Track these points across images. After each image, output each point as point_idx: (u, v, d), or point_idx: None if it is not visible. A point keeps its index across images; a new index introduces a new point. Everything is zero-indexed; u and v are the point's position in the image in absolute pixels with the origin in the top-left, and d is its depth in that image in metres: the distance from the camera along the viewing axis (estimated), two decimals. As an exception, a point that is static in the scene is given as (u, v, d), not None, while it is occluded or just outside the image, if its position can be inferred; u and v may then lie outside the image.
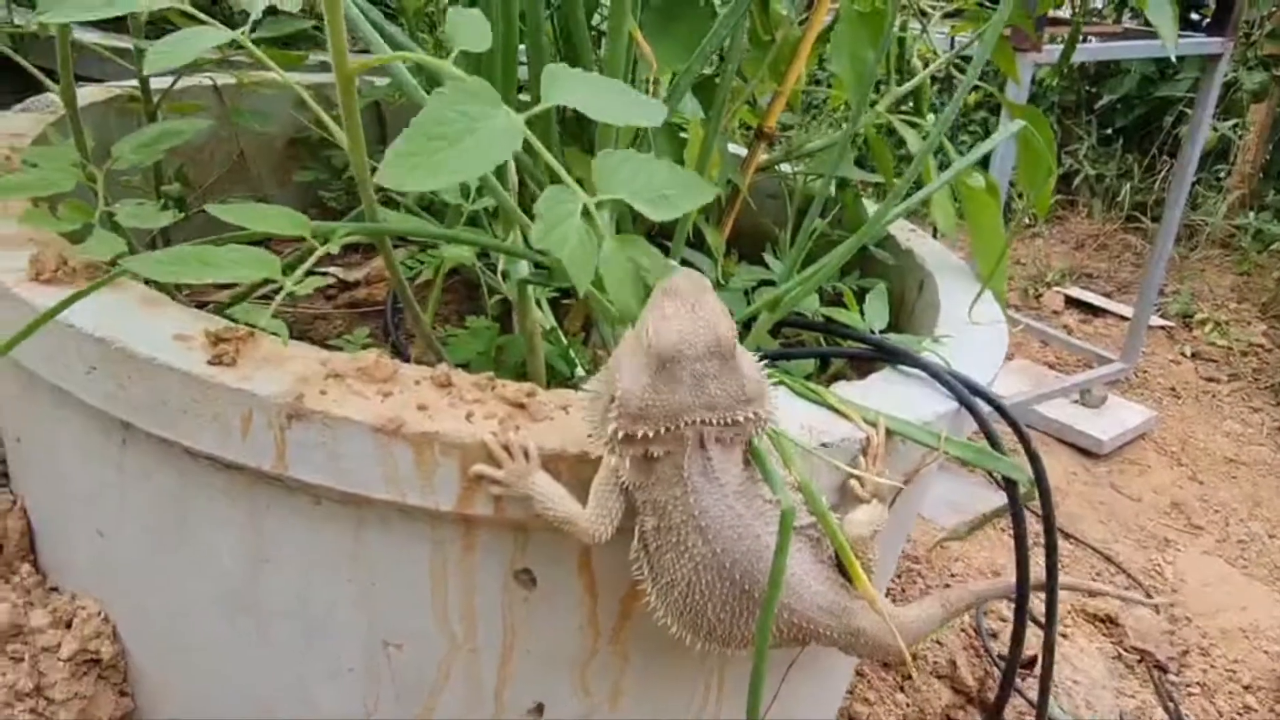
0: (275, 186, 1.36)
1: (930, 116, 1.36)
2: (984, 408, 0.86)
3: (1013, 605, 1.90)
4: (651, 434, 0.60)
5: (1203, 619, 2.40)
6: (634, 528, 0.67)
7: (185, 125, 0.89)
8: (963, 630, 1.91)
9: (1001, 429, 0.88)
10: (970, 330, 1.02)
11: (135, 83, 1.08)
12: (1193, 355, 3.55)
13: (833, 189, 1.41)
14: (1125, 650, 2.17)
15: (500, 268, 0.90)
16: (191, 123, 0.90)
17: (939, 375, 0.86)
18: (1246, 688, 2.23)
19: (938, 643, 1.87)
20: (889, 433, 0.78)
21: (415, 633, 0.77)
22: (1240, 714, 2.15)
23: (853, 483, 0.77)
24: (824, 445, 0.75)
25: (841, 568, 0.73)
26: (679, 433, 0.61)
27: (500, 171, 0.90)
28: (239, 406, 0.67)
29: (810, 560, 0.71)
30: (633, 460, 0.62)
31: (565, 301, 1.18)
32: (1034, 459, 0.90)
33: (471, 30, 0.65)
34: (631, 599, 0.77)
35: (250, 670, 0.81)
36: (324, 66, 1.63)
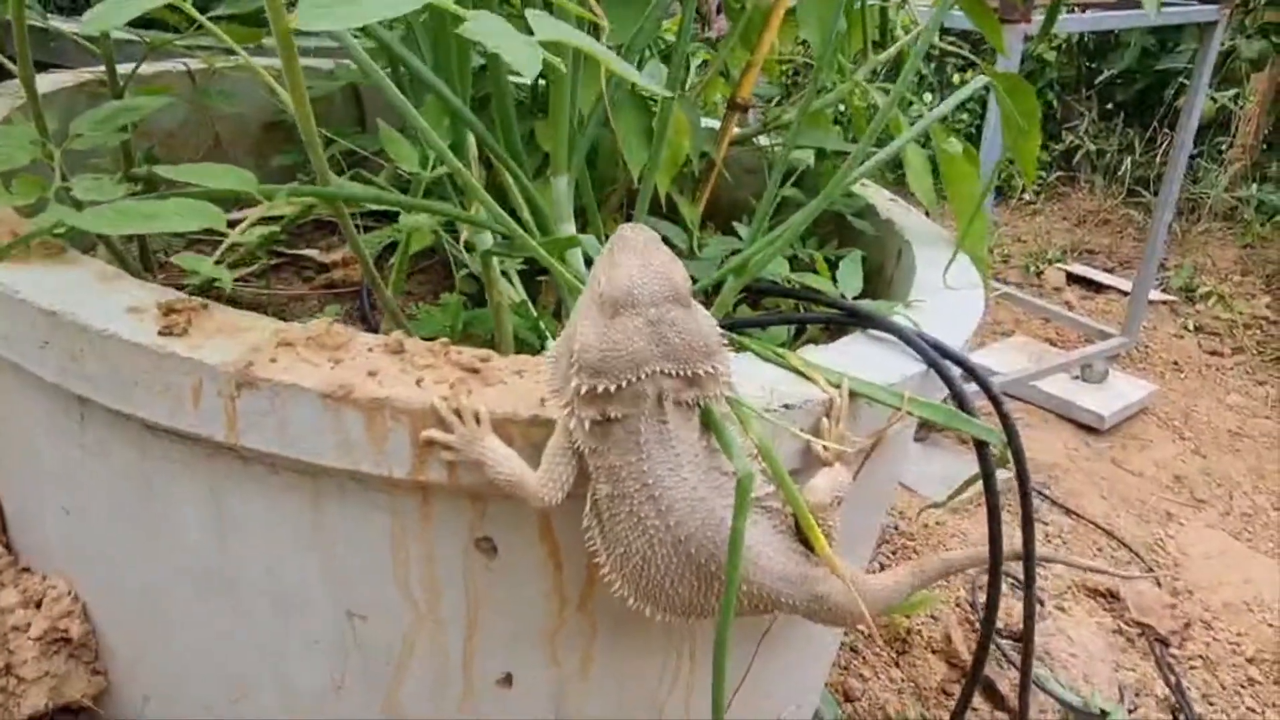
0: (253, 170, 1.36)
1: (927, 97, 1.35)
2: (953, 370, 0.85)
3: (1008, 577, 1.89)
4: (613, 388, 0.59)
5: (1205, 592, 2.39)
6: (587, 496, 0.66)
7: (144, 101, 0.88)
8: (957, 605, 1.90)
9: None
10: (944, 295, 1.01)
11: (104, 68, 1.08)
12: (1195, 329, 3.52)
13: (812, 160, 1.39)
14: (1126, 624, 2.16)
15: (463, 239, 0.89)
16: (151, 99, 0.89)
17: (906, 337, 0.85)
18: (1250, 660, 2.22)
19: (932, 618, 1.86)
20: (853, 395, 0.77)
21: (379, 603, 0.76)
22: (1244, 686, 2.14)
23: (816, 446, 0.76)
24: (786, 407, 0.74)
25: (803, 535, 0.73)
26: (639, 389, 0.60)
27: (460, 144, 0.89)
28: (189, 376, 0.67)
29: (769, 530, 0.71)
30: (590, 423, 0.61)
31: (541, 279, 1.17)
32: (1006, 421, 0.89)
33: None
34: (596, 566, 0.77)
35: (221, 645, 0.81)
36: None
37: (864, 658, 1.78)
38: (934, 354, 0.84)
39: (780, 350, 0.79)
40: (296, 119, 0.70)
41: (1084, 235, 4.10)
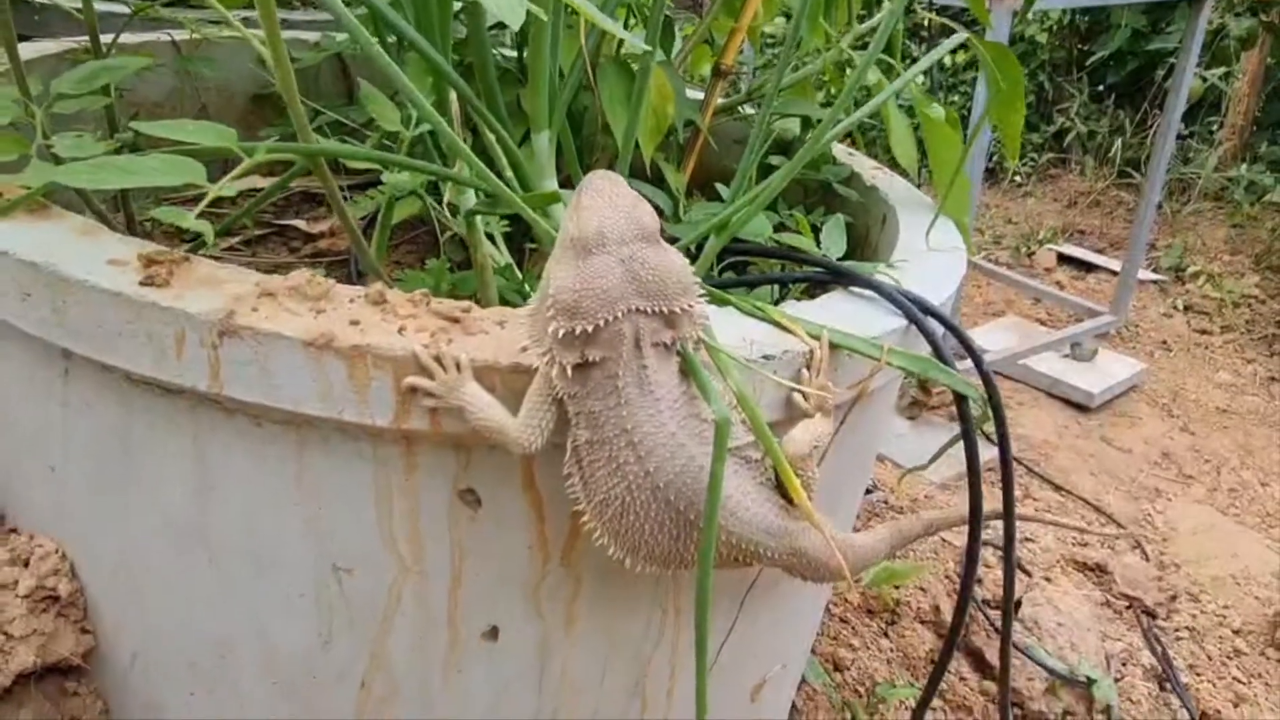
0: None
1: (928, 77, 1.35)
2: (934, 326, 0.86)
3: (998, 550, 1.89)
4: (590, 328, 0.60)
5: (1192, 566, 2.41)
6: (568, 443, 0.67)
7: (125, 61, 0.88)
8: (946, 576, 1.92)
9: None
10: (927, 256, 1.01)
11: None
12: (1185, 308, 3.54)
13: (798, 129, 1.40)
14: (1113, 596, 2.17)
15: (446, 199, 0.90)
16: (133, 59, 0.89)
17: (887, 293, 0.86)
18: (1236, 632, 2.24)
19: (920, 589, 1.87)
20: (833, 347, 0.78)
21: (364, 557, 0.77)
22: (1230, 657, 2.16)
23: (796, 397, 0.77)
24: (765, 358, 0.75)
25: (782, 488, 0.73)
26: (617, 329, 0.60)
27: (443, 104, 0.89)
28: (171, 326, 0.67)
29: (749, 480, 0.71)
30: (570, 368, 0.61)
31: (529, 244, 1.18)
32: (987, 381, 0.90)
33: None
34: (580, 518, 0.78)
35: (204, 604, 0.81)
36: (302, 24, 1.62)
37: (853, 628, 1.79)
38: (914, 309, 0.84)
39: (760, 304, 0.80)
40: (275, 74, 0.70)
41: (1075, 216, 4.12)
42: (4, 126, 0.78)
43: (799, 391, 0.76)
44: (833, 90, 1.46)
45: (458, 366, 0.66)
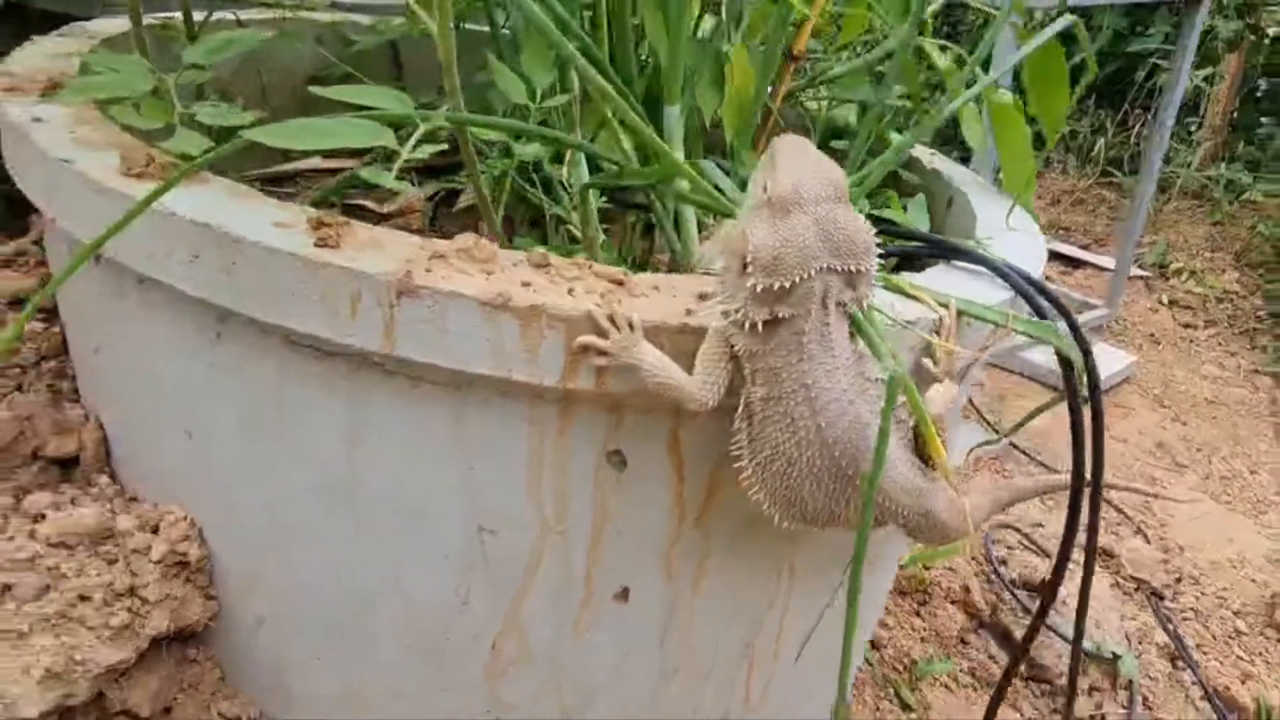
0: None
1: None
2: (1038, 297, 0.89)
3: (1018, 533, 1.93)
4: (787, 284, 0.62)
5: (1192, 551, 2.49)
6: (734, 404, 0.69)
7: (249, 35, 0.89)
8: (973, 558, 1.97)
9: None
10: (1010, 235, 1.05)
11: (168, 15, 1.08)
12: (1170, 303, 3.65)
13: (852, 117, 1.44)
14: (1122, 579, 2.24)
15: (565, 171, 0.92)
16: (253, 33, 0.90)
17: (996, 267, 0.89)
18: (1237, 613, 2.32)
19: (950, 569, 1.92)
20: (960, 314, 0.81)
21: (510, 517, 0.79)
22: (1232, 637, 2.23)
23: (926, 361, 0.80)
24: (907, 323, 0.78)
25: (920, 449, 0.76)
26: (809, 287, 0.63)
27: (564, 80, 0.91)
28: (347, 286, 0.68)
29: (897, 442, 0.74)
30: (760, 325, 0.64)
31: (607, 226, 1.20)
32: (1085, 352, 0.94)
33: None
34: (717, 478, 0.80)
35: (346, 560, 0.82)
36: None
37: (887, 608, 1.83)
38: (1023, 283, 0.88)
39: (887, 275, 0.83)
40: (438, 39, 0.72)
41: (1059, 214, 4.22)
42: (147, 94, 0.79)
43: (944, 350, 0.79)
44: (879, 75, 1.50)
45: (630, 326, 0.68)
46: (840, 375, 0.66)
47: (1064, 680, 1.75)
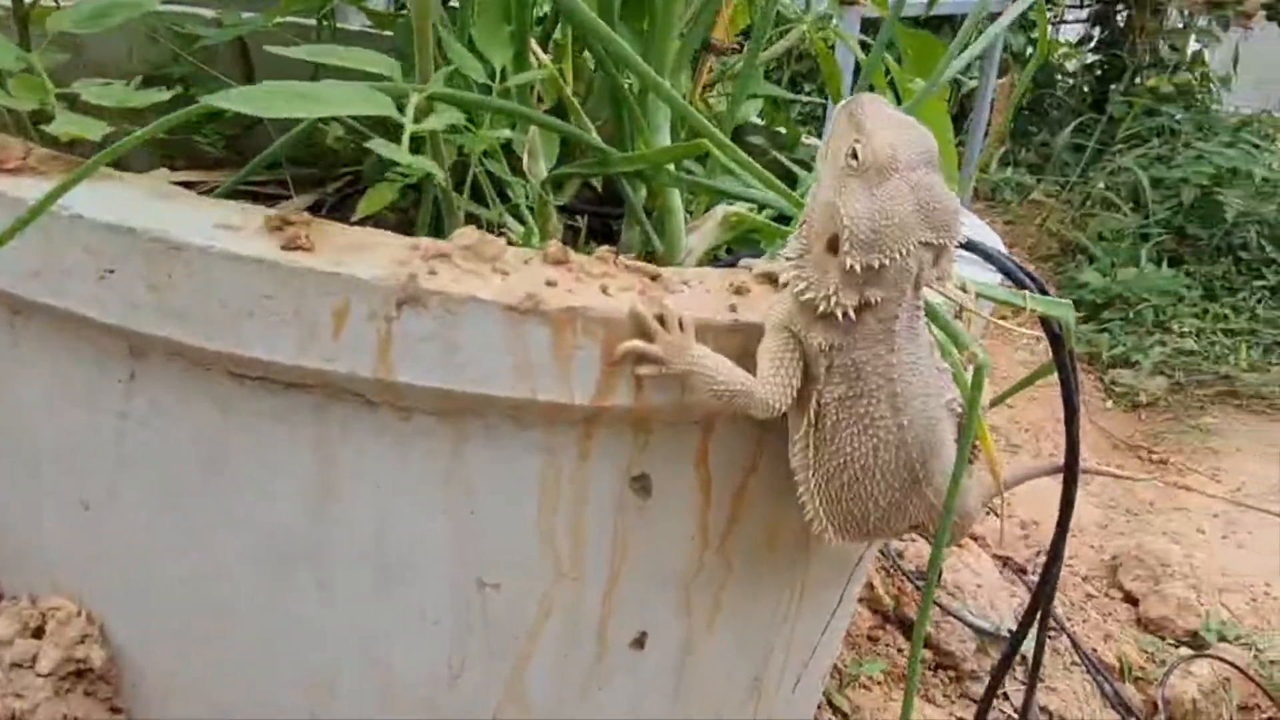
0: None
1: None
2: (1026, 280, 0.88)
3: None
4: (887, 262, 0.54)
5: (1040, 524, 2.64)
6: (810, 403, 0.60)
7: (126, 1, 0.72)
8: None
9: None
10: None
11: None
12: (978, 296, 3.91)
13: (754, 115, 1.39)
14: (990, 557, 2.34)
15: (526, 164, 0.80)
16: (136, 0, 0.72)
17: (985, 252, 0.87)
18: (1084, 579, 2.47)
19: (851, 568, 1.92)
20: (979, 298, 0.77)
21: (516, 566, 0.66)
22: (1085, 601, 2.37)
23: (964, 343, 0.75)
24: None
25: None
26: (905, 265, 0.55)
27: (520, 57, 0.80)
28: (331, 297, 0.54)
29: (950, 436, 0.68)
30: (849, 313, 0.55)
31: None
32: (1063, 334, 0.94)
33: None
34: (742, 496, 0.71)
35: (304, 633, 0.66)
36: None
37: (797, 615, 1.80)
38: (1013, 268, 0.86)
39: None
40: (412, 9, 0.59)
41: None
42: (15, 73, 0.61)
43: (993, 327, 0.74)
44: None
45: (680, 326, 0.58)
46: (923, 367, 0.60)
47: (969, 665, 1.79)
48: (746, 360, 0.60)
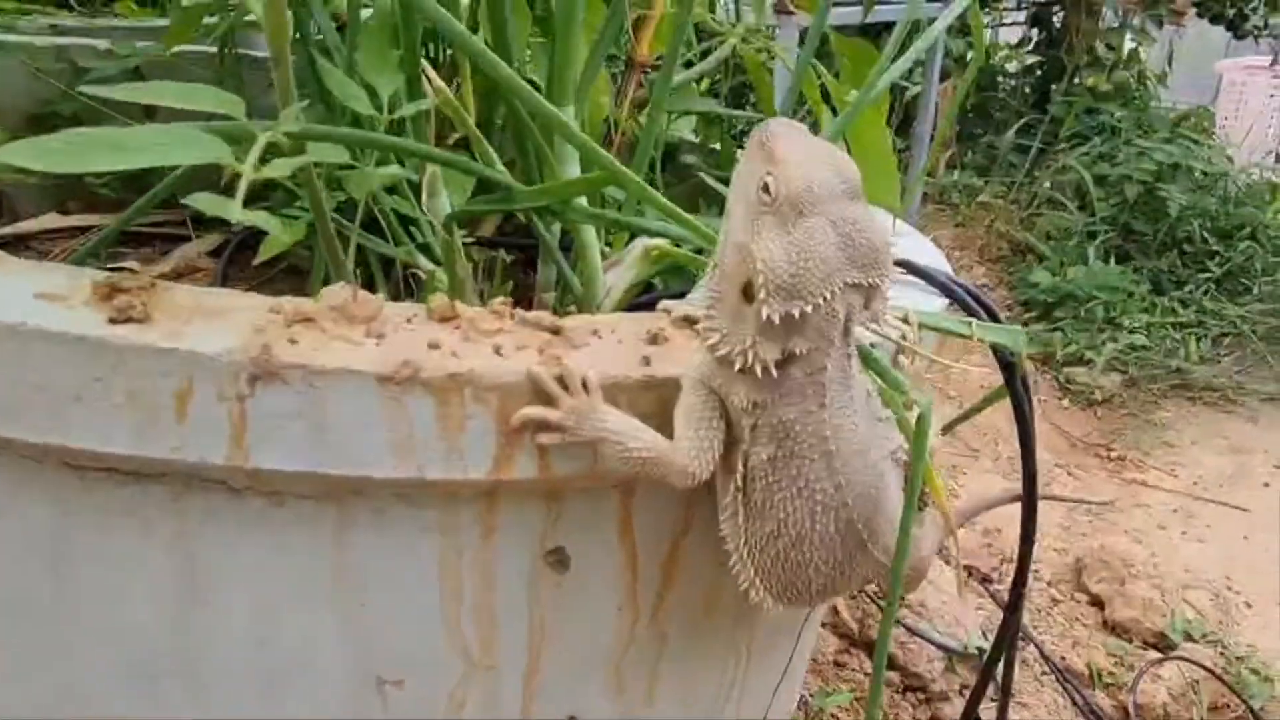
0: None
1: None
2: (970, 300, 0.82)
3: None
4: (809, 309, 0.47)
5: (1002, 531, 2.61)
6: (736, 467, 0.53)
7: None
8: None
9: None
10: (901, 240, 0.98)
11: None
12: (921, 328, 3.91)
13: (692, 134, 1.34)
14: (953, 569, 2.30)
15: (424, 201, 0.72)
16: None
17: (927, 275, 0.81)
18: (1050, 584, 2.44)
19: (813, 593, 1.86)
20: (921, 327, 0.71)
21: (419, 659, 0.59)
22: (1051, 605, 2.34)
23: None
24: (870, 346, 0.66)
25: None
26: (831, 310, 0.49)
27: (414, 83, 0.73)
28: (172, 376, 0.46)
29: (897, 485, 0.62)
30: (770, 369, 0.49)
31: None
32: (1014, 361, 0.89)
33: None
34: (673, 561, 0.64)
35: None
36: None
37: (759, 646, 1.74)
38: (961, 293, 0.81)
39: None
40: (267, 30, 0.52)
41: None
42: None
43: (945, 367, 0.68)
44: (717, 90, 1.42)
45: (585, 387, 0.51)
46: (859, 419, 0.53)
47: (938, 686, 1.73)
48: (665, 419, 0.54)
